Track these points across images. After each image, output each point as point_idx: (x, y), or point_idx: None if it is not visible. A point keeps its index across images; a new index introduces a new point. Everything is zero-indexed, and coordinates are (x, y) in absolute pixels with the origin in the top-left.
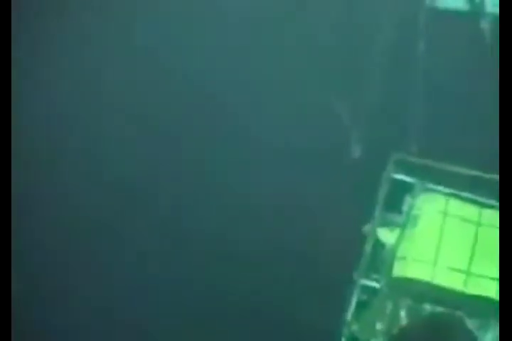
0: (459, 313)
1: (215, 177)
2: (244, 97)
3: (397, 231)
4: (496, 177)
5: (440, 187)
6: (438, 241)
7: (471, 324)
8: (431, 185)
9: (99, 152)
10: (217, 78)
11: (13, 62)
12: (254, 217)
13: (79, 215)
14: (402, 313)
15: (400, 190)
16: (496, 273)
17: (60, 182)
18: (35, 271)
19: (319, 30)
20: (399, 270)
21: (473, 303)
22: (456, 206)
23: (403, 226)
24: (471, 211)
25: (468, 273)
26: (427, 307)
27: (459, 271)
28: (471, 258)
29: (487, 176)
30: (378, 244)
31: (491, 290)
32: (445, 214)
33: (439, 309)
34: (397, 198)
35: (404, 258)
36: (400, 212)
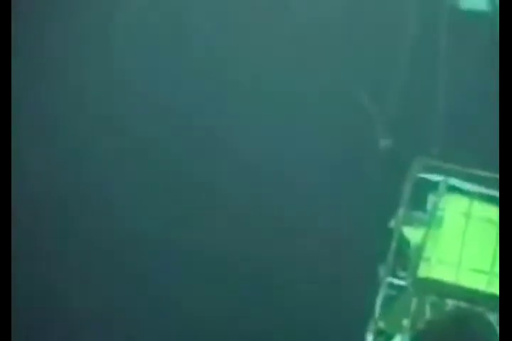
0: (480, 308)
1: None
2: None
3: (422, 230)
4: None
5: (463, 187)
6: (462, 243)
7: (491, 317)
8: (454, 184)
9: (96, 157)
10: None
11: (13, 62)
12: (277, 216)
13: (77, 221)
14: (427, 309)
15: (425, 189)
16: None
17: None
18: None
19: (343, 31)
20: (424, 270)
21: (494, 299)
22: (479, 207)
23: (428, 226)
24: (493, 211)
25: (491, 273)
26: (450, 302)
27: (482, 271)
28: (494, 259)
29: None
30: (404, 241)
31: None
32: (468, 215)
33: (462, 304)
34: (421, 196)
35: (429, 258)
36: (424, 210)
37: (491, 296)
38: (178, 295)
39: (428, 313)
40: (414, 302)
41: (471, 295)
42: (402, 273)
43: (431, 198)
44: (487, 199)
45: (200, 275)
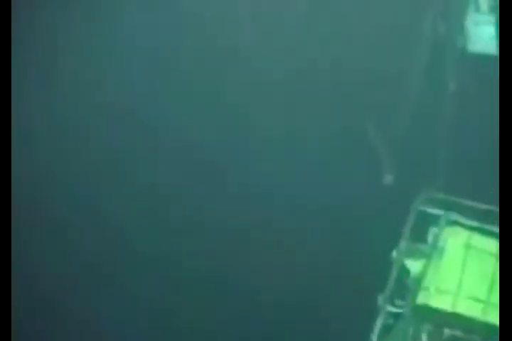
0: (475, 337)
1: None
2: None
3: (422, 261)
4: None
5: (464, 221)
6: (461, 274)
7: None
8: (455, 218)
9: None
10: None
11: (13, 61)
12: (278, 248)
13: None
14: (424, 337)
15: (426, 221)
16: None
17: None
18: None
19: (354, 68)
20: (423, 299)
21: (489, 328)
22: (478, 240)
23: (429, 257)
24: (491, 244)
25: (487, 302)
26: (447, 331)
27: (479, 301)
28: (491, 289)
29: None
30: (404, 271)
31: None
32: (468, 247)
33: (457, 333)
34: (423, 229)
35: (428, 288)
36: (425, 242)
37: (486, 325)
38: (169, 306)
39: None
40: (411, 331)
41: (467, 324)
42: (400, 302)
43: (432, 230)
44: (486, 231)
45: (196, 286)
